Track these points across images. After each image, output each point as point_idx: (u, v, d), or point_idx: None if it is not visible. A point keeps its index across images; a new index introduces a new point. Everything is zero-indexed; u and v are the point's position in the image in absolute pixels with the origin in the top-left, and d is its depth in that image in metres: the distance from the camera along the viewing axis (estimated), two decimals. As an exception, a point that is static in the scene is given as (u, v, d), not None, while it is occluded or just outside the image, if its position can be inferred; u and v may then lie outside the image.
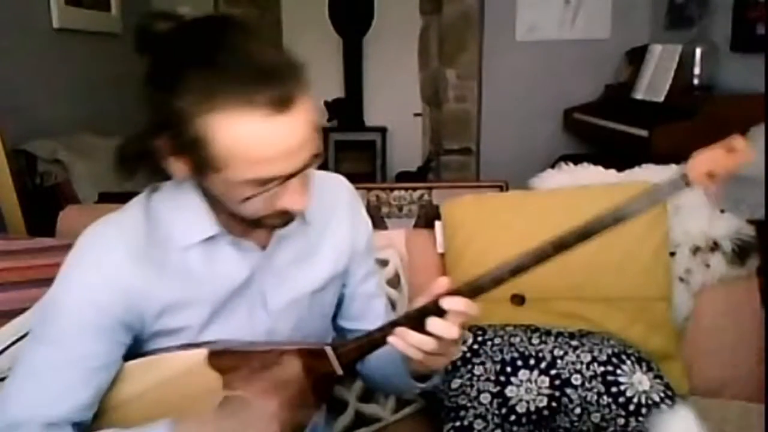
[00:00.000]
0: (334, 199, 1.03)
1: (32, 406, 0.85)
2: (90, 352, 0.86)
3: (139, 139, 0.83)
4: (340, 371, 0.91)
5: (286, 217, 0.87)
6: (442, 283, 0.86)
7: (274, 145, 0.76)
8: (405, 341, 0.85)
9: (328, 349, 0.91)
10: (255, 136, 0.75)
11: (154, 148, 0.81)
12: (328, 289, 1.03)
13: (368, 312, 1.10)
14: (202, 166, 0.79)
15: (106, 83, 3.64)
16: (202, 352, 0.89)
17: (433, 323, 0.84)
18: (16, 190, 2.27)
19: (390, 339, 0.86)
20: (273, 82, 0.74)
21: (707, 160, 0.80)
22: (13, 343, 1.20)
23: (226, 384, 0.88)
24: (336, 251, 1.02)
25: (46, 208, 1.89)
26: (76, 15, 3.28)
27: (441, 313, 0.84)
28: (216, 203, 0.86)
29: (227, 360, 0.89)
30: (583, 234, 0.83)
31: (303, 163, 0.80)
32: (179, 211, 0.89)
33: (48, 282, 1.27)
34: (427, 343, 0.84)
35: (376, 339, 0.90)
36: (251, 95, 0.73)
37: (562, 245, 0.84)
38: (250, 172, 0.77)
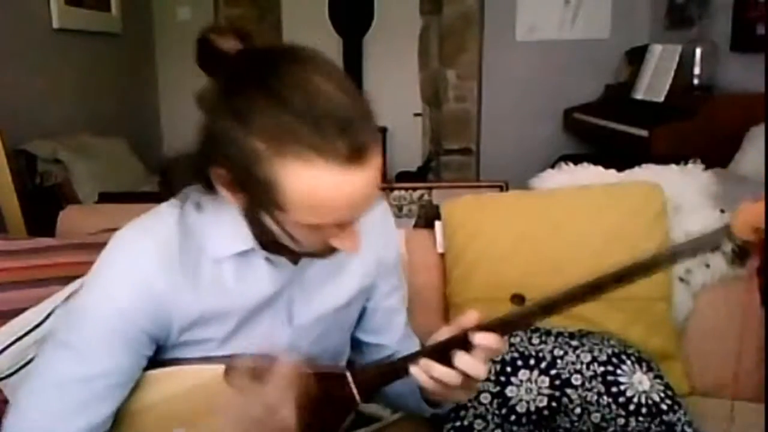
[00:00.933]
0: (368, 215, 1.01)
1: (51, 417, 0.83)
2: (113, 366, 0.84)
3: (197, 162, 0.79)
4: (358, 397, 0.89)
5: (329, 253, 0.84)
6: (472, 316, 0.84)
7: (343, 196, 0.73)
8: (429, 375, 0.83)
9: (349, 376, 0.89)
10: (325, 185, 0.72)
11: (211, 174, 0.78)
12: (353, 303, 1.01)
13: (388, 326, 1.08)
14: (262, 205, 0.77)
15: (106, 83, 3.65)
16: (221, 368, 0.87)
17: (461, 359, 0.82)
18: (16, 190, 2.27)
19: (413, 371, 0.84)
20: (349, 132, 0.71)
21: (755, 214, 0.76)
22: (13, 343, 1.20)
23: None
24: (365, 266, 1.00)
25: (46, 208, 1.88)
26: (76, 15, 3.29)
27: (467, 346, 0.82)
28: (256, 224, 0.83)
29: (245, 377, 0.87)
30: (619, 277, 0.83)
31: (366, 210, 0.79)
32: (216, 224, 0.86)
33: (48, 282, 1.28)
34: (452, 378, 0.83)
35: (399, 369, 0.88)
36: (327, 144, 0.70)
37: (596, 287, 0.82)
38: (311, 218, 0.75)
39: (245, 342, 0.90)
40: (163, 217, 0.87)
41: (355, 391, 0.88)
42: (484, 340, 0.81)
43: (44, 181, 2.82)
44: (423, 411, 0.98)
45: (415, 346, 1.03)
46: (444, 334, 0.85)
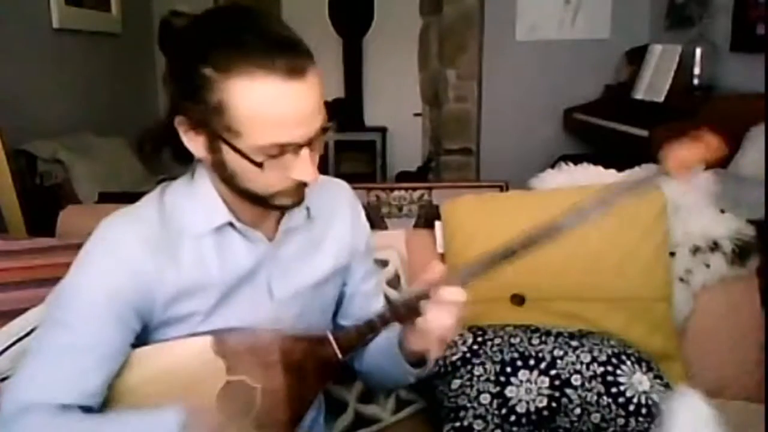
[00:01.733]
0: (336, 199, 1.08)
1: (45, 388, 0.87)
2: (102, 338, 0.88)
3: (161, 121, 0.89)
4: (340, 355, 0.96)
5: (296, 195, 0.90)
6: (436, 270, 0.91)
7: (288, 109, 0.82)
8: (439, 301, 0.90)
9: (329, 335, 0.96)
10: (271, 98, 0.80)
11: (174, 126, 0.87)
12: (329, 283, 1.07)
13: (367, 311, 1.11)
14: (220, 134, 0.83)
15: (106, 83, 3.65)
16: (208, 338, 0.92)
17: (429, 311, 0.90)
18: (16, 190, 2.27)
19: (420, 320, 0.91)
20: (289, 51, 0.81)
21: (683, 151, 0.91)
22: (13, 344, 1.20)
23: (229, 369, 0.91)
24: (337, 246, 1.07)
25: (46, 208, 1.89)
26: (76, 15, 3.29)
27: (433, 299, 0.90)
28: (229, 186, 0.90)
29: (231, 346, 0.92)
30: (575, 219, 0.91)
31: (314, 131, 0.85)
32: (192, 201, 0.94)
33: (48, 282, 1.28)
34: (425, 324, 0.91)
35: (375, 324, 0.95)
36: (269, 62, 0.80)
37: (552, 230, 0.90)
38: (266, 136, 0.82)
39: (229, 316, 0.95)
40: (144, 203, 0.96)
41: (336, 348, 0.95)
42: (447, 293, 0.89)
43: (44, 181, 2.82)
44: (408, 375, 1.02)
45: (395, 333, 1.07)
46: (413, 289, 0.92)
